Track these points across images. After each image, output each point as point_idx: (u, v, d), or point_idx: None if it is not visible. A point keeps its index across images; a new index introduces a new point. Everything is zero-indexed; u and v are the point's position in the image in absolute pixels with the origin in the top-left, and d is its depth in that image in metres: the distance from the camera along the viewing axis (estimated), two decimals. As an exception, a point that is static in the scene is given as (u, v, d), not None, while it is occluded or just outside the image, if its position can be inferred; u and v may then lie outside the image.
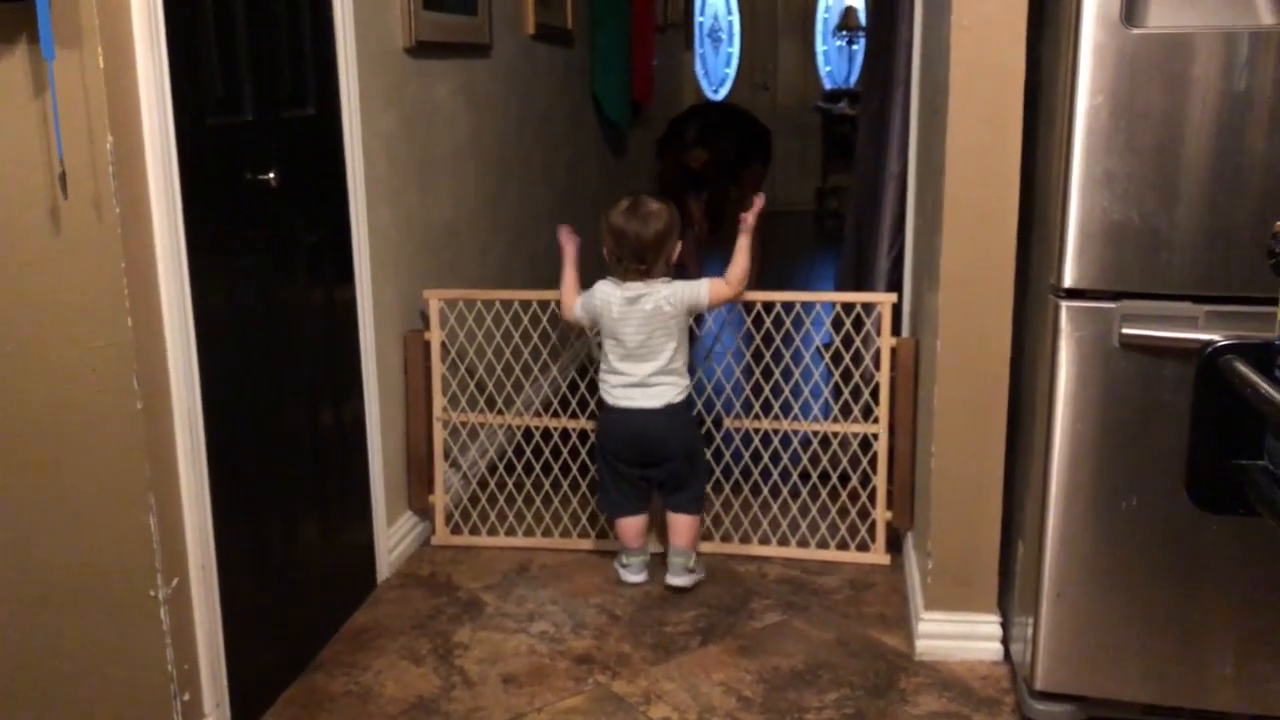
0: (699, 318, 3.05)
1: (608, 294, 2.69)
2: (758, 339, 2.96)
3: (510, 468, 3.23)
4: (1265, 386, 1.08)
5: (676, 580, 2.76)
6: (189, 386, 1.99)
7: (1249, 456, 1.17)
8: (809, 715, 2.26)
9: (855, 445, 2.94)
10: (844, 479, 3.00)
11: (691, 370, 2.78)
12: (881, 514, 2.89)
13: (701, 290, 2.70)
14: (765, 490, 3.04)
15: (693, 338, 2.82)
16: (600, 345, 2.76)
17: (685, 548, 2.77)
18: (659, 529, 2.85)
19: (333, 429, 2.59)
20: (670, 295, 2.66)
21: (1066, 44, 1.93)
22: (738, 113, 5.62)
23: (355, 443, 2.72)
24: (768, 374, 3.00)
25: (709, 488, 2.91)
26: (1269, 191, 1.87)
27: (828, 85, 9.43)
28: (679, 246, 2.72)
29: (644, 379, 2.67)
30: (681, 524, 2.77)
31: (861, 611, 2.67)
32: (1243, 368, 1.13)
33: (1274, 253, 1.11)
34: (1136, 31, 1.88)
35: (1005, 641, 2.42)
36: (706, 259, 5.65)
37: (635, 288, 2.66)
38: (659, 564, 2.83)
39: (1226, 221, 1.90)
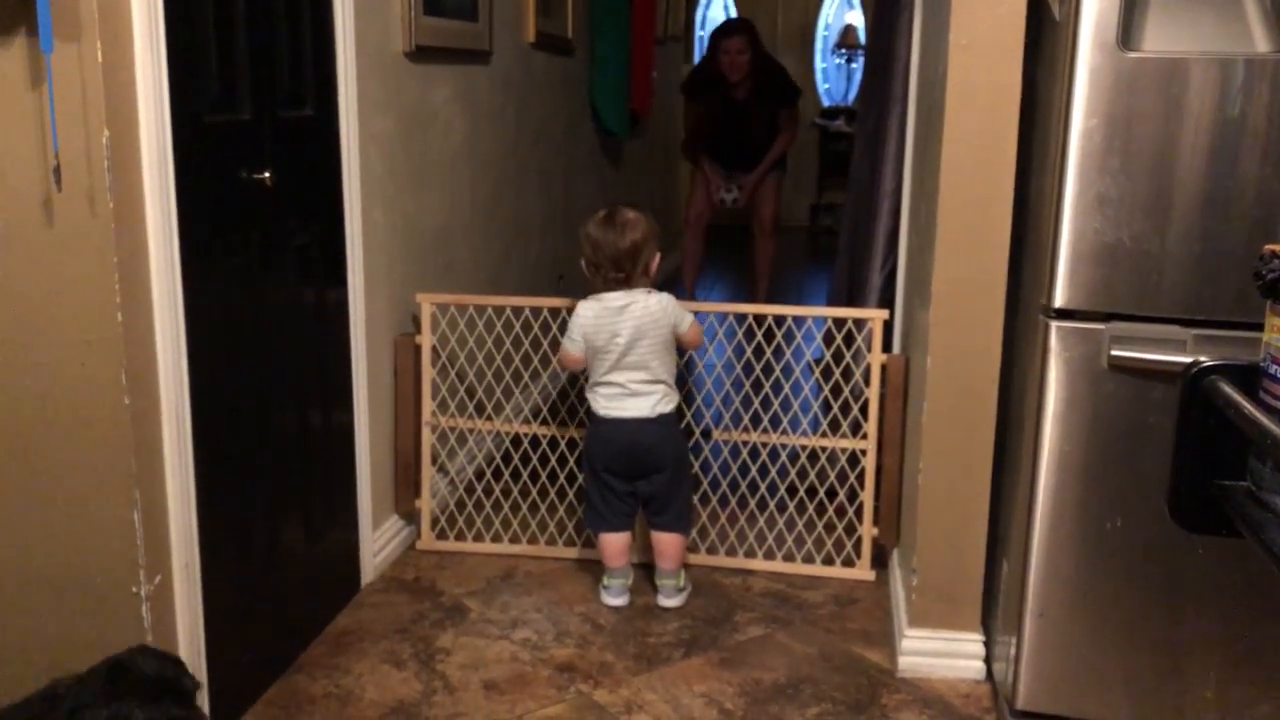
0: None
1: (592, 309, 2.65)
2: (749, 352, 2.97)
3: (498, 474, 3.23)
4: (1249, 407, 1.08)
5: (668, 601, 2.75)
6: (177, 383, 1.98)
7: (1232, 477, 1.18)
8: (790, 729, 2.26)
9: (843, 460, 2.94)
10: (831, 494, 3.00)
11: (680, 383, 2.77)
12: (868, 530, 2.89)
13: (686, 319, 2.69)
14: (752, 503, 3.04)
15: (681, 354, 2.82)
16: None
17: (673, 570, 2.75)
18: (643, 540, 2.84)
19: (321, 430, 2.59)
20: (663, 301, 2.64)
21: (1062, 66, 1.94)
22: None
23: (343, 445, 2.71)
24: (758, 387, 3.00)
25: (696, 499, 2.90)
26: (1260, 217, 1.89)
27: (825, 102, 9.46)
28: (657, 257, 2.68)
29: (634, 388, 2.65)
30: (667, 545, 2.74)
31: (845, 627, 2.67)
32: (1227, 388, 1.13)
33: (1261, 275, 1.12)
34: (1132, 55, 1.90)
35: (988, 660, 2.42)
36: (703, 281, 5.69)
37: (619, 297, 2.63)
38: (643, 577, 2.83)
39: (1217, 246, 1.91)
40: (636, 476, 2.71)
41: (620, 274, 2.62)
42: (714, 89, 5.21)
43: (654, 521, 2.75)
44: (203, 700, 2.11)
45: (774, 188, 5.45)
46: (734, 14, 9.44)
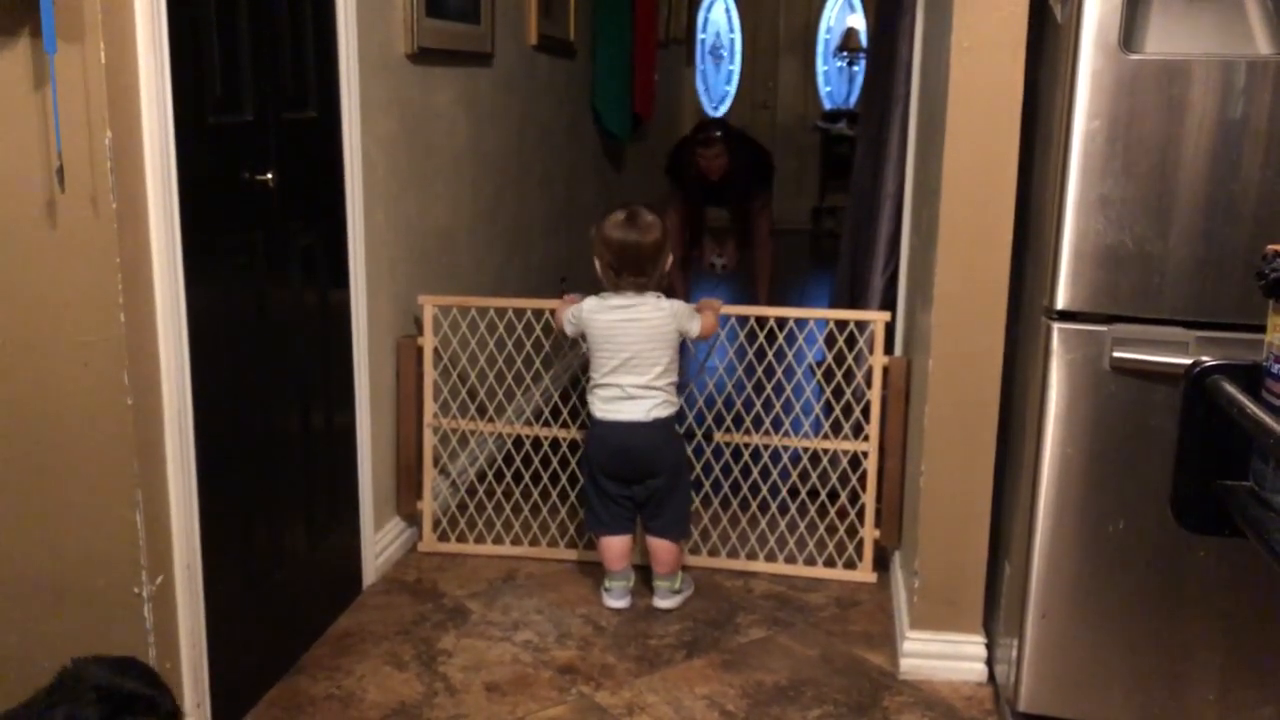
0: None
1: (596, 307, 2.67)
2: (750, 354, 2.97)
3: (499, 476, 3.23)
4: (1252, 407, 1.08)
5: (663, 603, 2.75)
6: (180, 384, 1.98)
7: (1235, 477, 1.18)
8: (791, 731, 2.26)
9: (845, 463, 2.94)
10: (833, 496, 3.00)
11: (683, 385, 2.77)
12: (869, 532, 2.89)
13: (694, 324, 2.69)
14: (754, 505, 3.04)
15: (684, 351, 2.82)
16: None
17: (668, 574, 2.75)
18: (643, 543, 2.83)
19: (323, 432, 2.59)
20: (671, 308, 2.65)
21: (1065, 68, 1.95)
22: (748, 137, 5.69)
23: (345, 446, 2.71)
24: (759, 389, 3.00)
25: (698, 501, 2.90)
26: (1263, 218, 1.89)
27: (827, 105, 9.47)
28: (671, 258, 2.71)
29: (631, 391, 2.64)
30: (661, 550, 2.73)
31: (847, 629, 2.67)
32: (1230, 388, 1.13)
33: (1264, 274, 1.12)
34: (1135, 57, 1.90)
35: (990, 662, 2.42)
36: (705, 284, 5.75)
37: (627, 299, 2.64)
38: (645, 579, 2.83)
39: (1220, 247, 1.91)
40: (631, 480, 2.70)
41: (641, 277, 2.63)
42: (695, 182, 5.35)
43: (649, 526, 2.75)
44: (204, 701, 2.11)
45: (763, 209, 5.58)
46: (735, 18, 9.46)
